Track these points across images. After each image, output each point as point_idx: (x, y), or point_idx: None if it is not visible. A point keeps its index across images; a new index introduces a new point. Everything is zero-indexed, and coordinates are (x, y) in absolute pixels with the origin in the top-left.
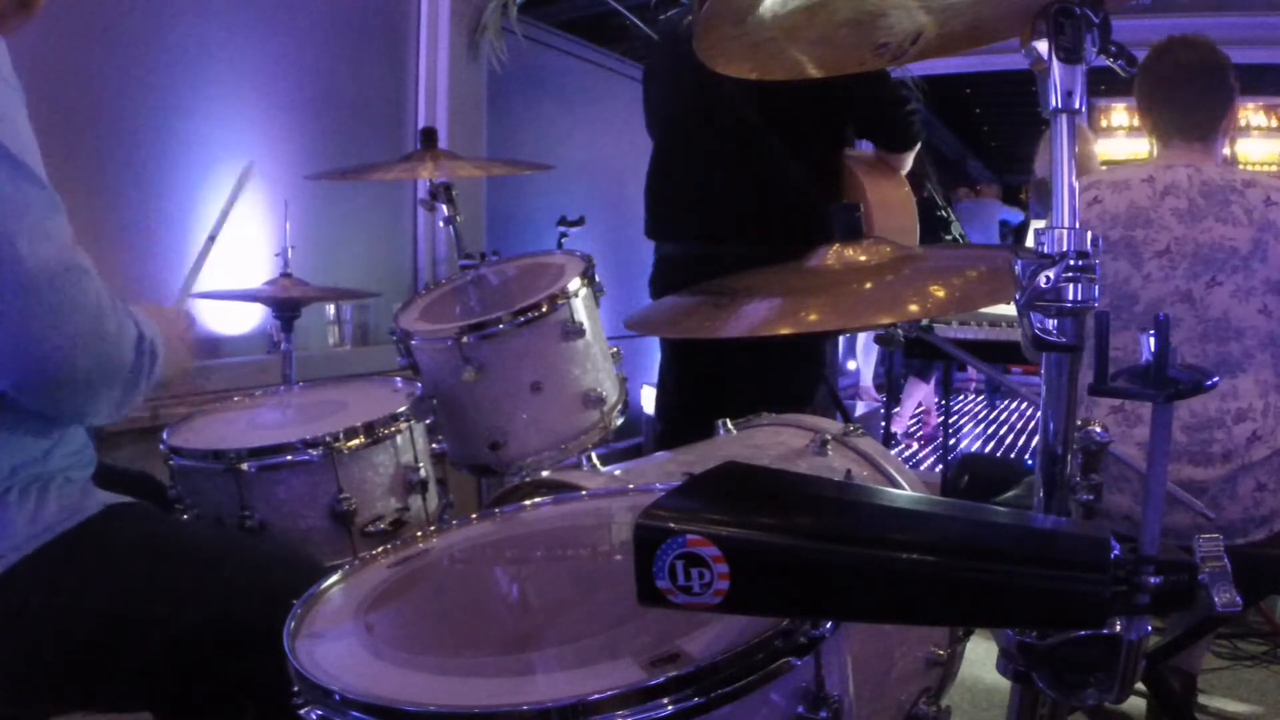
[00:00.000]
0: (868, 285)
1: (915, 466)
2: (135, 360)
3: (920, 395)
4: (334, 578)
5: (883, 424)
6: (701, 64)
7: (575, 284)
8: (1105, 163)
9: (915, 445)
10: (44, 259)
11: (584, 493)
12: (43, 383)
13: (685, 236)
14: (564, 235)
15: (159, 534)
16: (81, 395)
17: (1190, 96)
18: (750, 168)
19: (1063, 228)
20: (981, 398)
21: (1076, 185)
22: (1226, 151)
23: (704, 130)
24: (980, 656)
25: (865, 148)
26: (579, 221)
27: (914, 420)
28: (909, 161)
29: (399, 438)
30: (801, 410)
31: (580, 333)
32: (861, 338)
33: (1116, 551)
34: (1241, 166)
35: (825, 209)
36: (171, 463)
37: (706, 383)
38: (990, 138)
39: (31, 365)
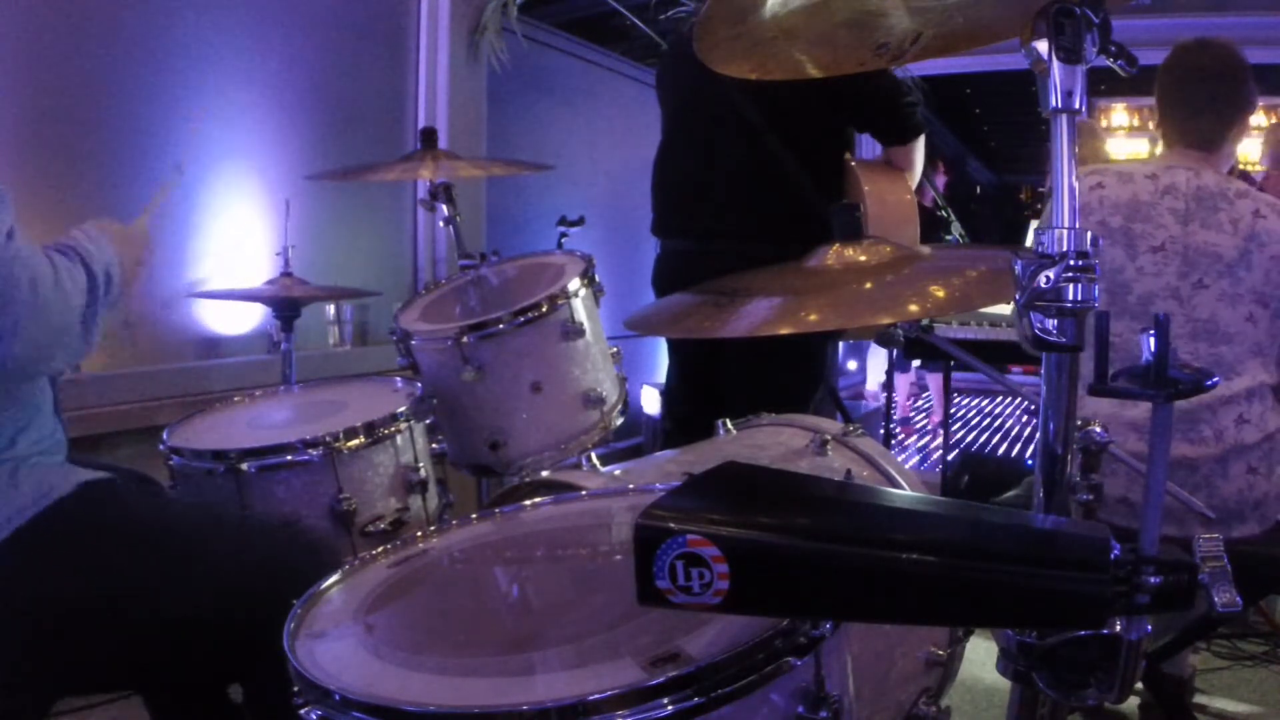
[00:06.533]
0: (868, 285)
1: (923, 461)
2: (88, 301)
3: (933, 383)
4: (334, 578)
5: (883, 424)
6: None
7: (575, 284)
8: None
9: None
10: None
11: (584, 493)
12: None
13: (686, 233)
14: (564, 235)
15: (138, 518)
16: (35, 359)
17: (1196, 103)
18: (749, 165)
19: (1062, 228)
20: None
21: (1077, 186)
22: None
23: (704, 127)
24: (980, 656)
25: (876, 152)
26: (579, 221)
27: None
28: (916, 159)
29: (399, 438)
30: (799, 411)
31: (580, 333)
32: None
33: (1116, 551)
34: (1242, 166)
35: (825, 208)
36: (171, 463)
37: (707, 382)
38: (990, 138)
39: None
